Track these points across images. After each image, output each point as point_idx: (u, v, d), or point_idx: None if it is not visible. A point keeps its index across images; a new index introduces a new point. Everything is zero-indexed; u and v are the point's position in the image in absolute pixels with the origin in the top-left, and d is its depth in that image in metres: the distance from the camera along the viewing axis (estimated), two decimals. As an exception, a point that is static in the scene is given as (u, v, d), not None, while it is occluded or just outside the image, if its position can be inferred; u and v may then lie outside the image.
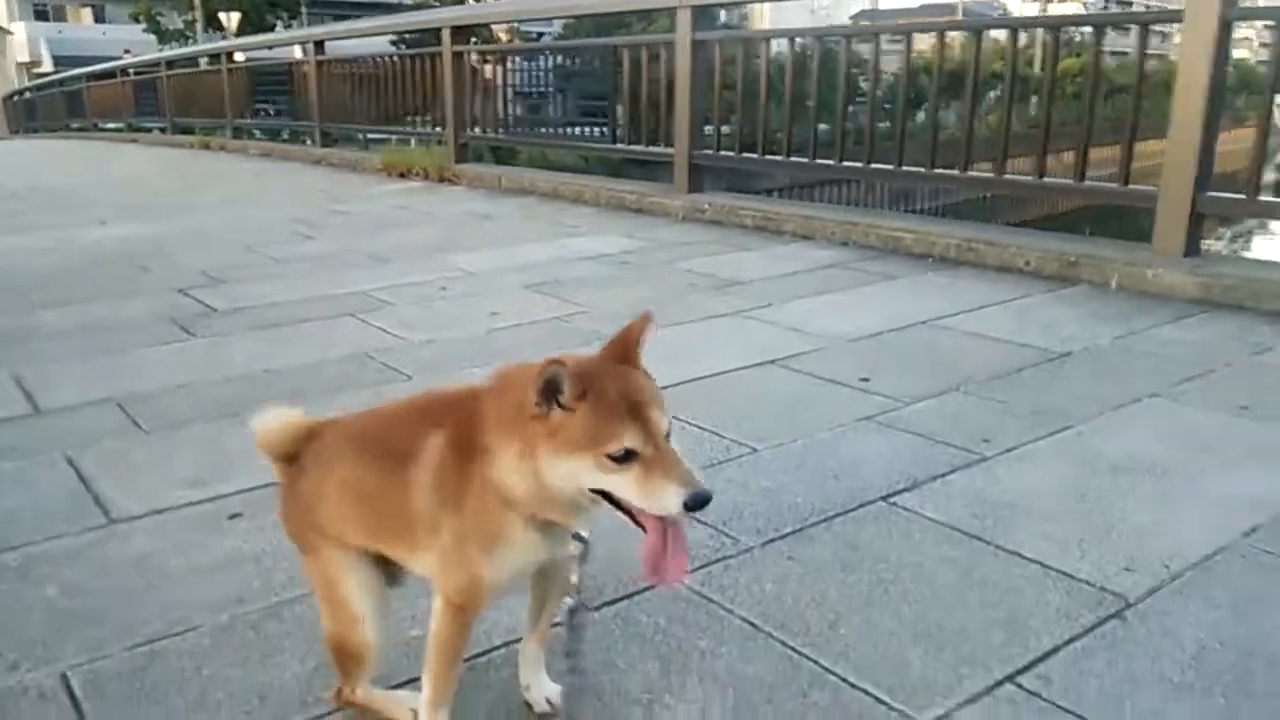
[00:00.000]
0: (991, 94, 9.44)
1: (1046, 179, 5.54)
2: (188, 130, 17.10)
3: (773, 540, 2.42)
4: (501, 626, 2.02)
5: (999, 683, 1.86)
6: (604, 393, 1.38)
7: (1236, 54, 4.74)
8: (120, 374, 3.80)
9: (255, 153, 14.11)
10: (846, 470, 2.80)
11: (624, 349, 1.47)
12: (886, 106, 7.49)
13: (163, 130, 18.51)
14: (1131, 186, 5.13)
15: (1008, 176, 5.78)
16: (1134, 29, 5.12)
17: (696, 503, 1.35)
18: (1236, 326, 4.16)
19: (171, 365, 3.94)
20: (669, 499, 1.36)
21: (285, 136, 15.48)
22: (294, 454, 1.77)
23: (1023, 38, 6.24)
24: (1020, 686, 1.84)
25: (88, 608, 2.16)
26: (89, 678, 1.91)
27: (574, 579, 1.63)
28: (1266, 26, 5.36)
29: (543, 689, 1.79)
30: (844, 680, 1.87)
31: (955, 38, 6.66)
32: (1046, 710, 1.77)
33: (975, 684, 1.86)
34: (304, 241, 6.79)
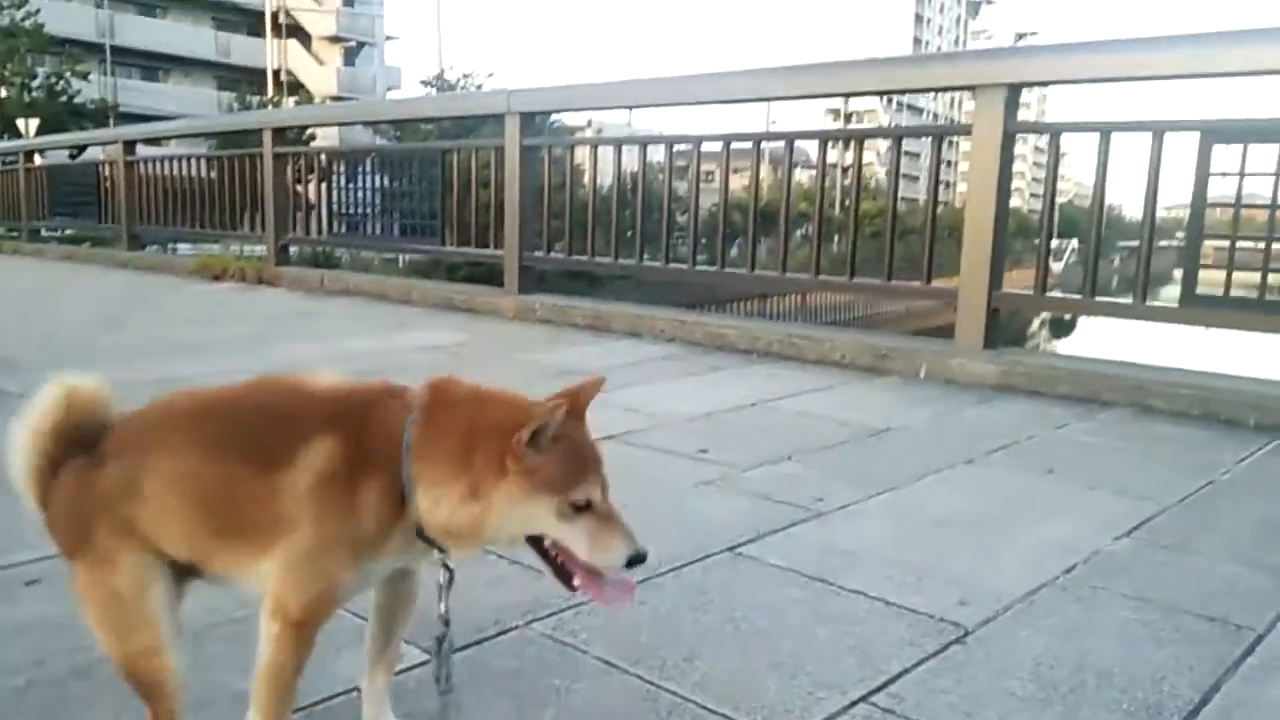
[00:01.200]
0: (799, 232, 10.11)
1: (858, 279, 5.90)
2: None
3: (622, 589, 2.39)
4: (342, 676, 1.90)
5: (854, 703, 1.88)
6: (574, 441, 1.44)
7: (1012, 203, 5.24)
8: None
9: (54, 256, 13.30)
10: (691, 526, 2.82)
11: (575, 405, 1.47)
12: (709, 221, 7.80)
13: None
14: (933, 285, 5.53)
15: (822, 277, 6.11)
16: (927, 141, 5.61)
17: (636, 559, 1.45)
18: (1034, 407, 4.49)
19: (-44, 443, 3.58)
20: (614, 554, 1.44)
21: (89, 241, 14.69)
22: (87, 437, 1.54)
23: (827, 179, 6.66)
24: (875, 705, 1.87)
25: None
26: None
27: (441, 608, 1.60)
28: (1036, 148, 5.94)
29: None
30: (703, 707, 1.85)
31: (765, 177, 7.02)
32: (900, 724, 1.80)
33: (831, 705, 1.87)
34: (112, 333, 6.39)
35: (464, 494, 1.41)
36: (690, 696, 1.89)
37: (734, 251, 7.02)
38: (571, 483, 1.41)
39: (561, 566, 1.48)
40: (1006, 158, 5.05)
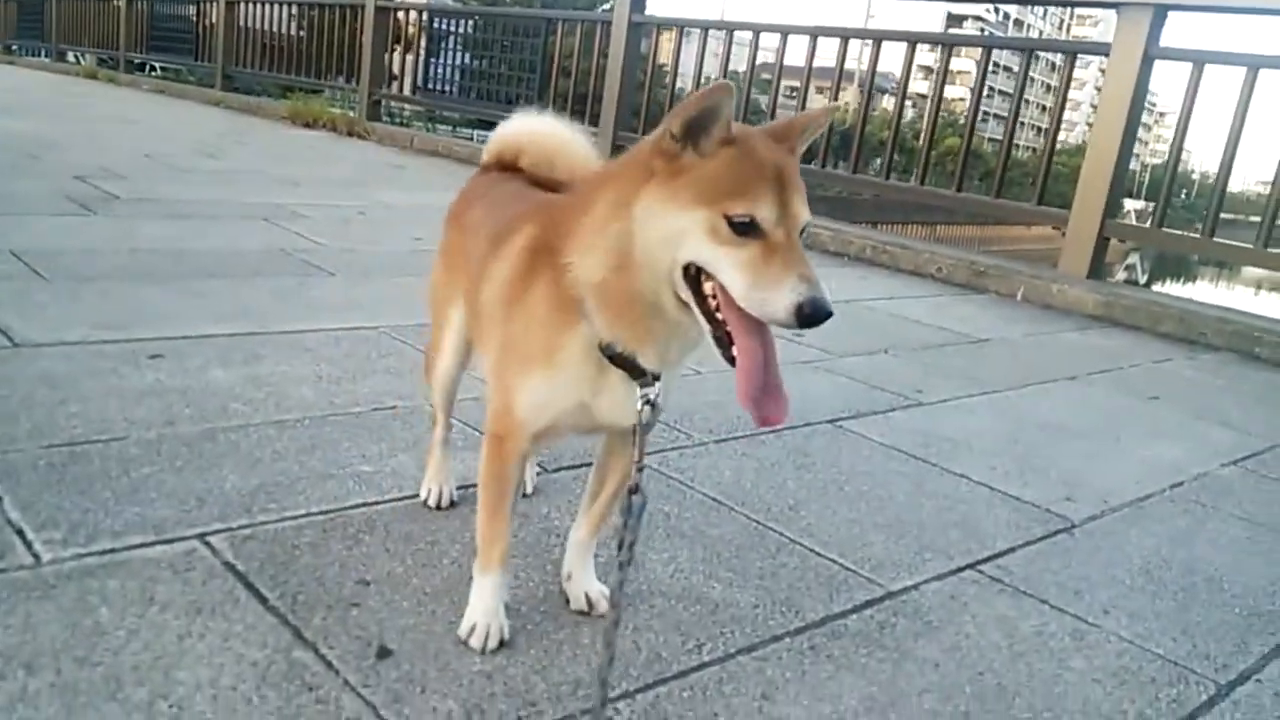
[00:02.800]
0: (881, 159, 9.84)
1: (965, 193, 5.73)
2: (69, 60, 16.15)
3: (725, 440, 2.39)
4: (457, 472, 1.92)
5: (961, 568, 1.86)
6: (753, 151, 1.14)
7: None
8: (14, 234, 3.50)
9: (148, 88, 13.39)
10: (792, 397, 2.79)
11: (786, 132, 1.21)
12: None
13: (43, 55, 17.41)
14: (1043, 207, 5.36)
15: (928, 187, 5.95)
16: (1059, 59, 5.37)
17: (815, 312, 1.06)
18: (1135, 340, 4.37)
19: (72, 232, 3.66)
20: (782, 296, 1.07)
21: (182, 74, 14.75)
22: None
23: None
24: (981, 573, 1.85)
25: (-7, 409, 1.95)
26: (1, 467, 1.72)
27: (634, 452, 1.29)
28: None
29: (584, 584, 1.54)
30: (811, 550, 1.85)
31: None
32: (1009, 592, 1.79)
33: (938, 566, 1.86)
34: (208, 159, 6.44)
35: (605, 220, 1.20)
36: (798, 539, 1.89)
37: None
38: (733, 192, 1.11)
39: (723, 325, 1.15)
40: (1143, 82, 4.83)
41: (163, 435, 1.95)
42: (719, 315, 1.16)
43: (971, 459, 2.48)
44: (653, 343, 1.25)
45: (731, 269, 1.11)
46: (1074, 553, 2.00)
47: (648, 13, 7.48)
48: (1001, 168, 5.41)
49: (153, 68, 15.14)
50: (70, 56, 17.07)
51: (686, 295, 1.18)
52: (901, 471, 2.34)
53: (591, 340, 1.27)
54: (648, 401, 1.27)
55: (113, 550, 1.51)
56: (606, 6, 7.92)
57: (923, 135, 6.12)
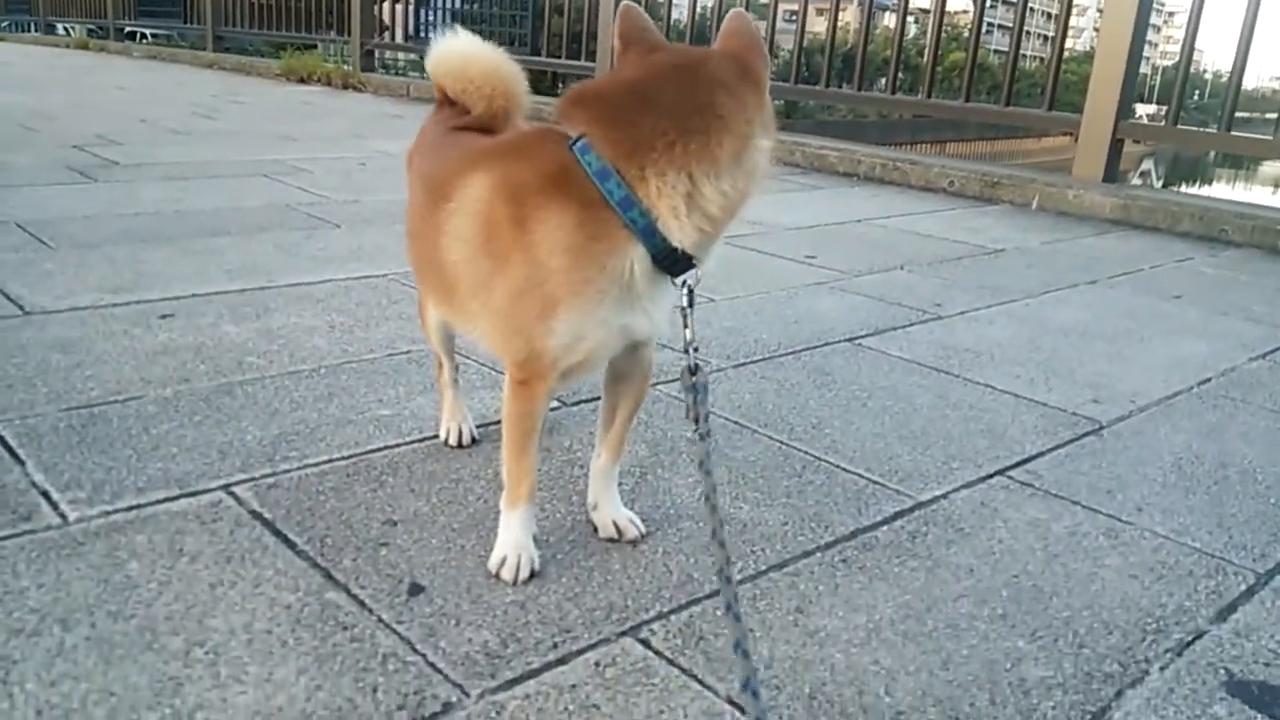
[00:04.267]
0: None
1: (973, 103, 5.62)
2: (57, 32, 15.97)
3: (743, 364, 2.36)
4: (476, 411, 1.91)
5: (990, 475, 1.85)
6: None
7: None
8: (16, 205, 3.48)
9: (140, 55, 13.25)
10: (806, 319, 2.77)
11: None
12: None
13: (26, 29, 17.23)
14: (1055, 112, 5.25)
15: (936, 100, 5.83)
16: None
17: None
18: (1155, 241, 4.30)
19: (73, 201, 3.63)
20: None
21: (173, 39, 14.58)
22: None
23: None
24: (1011, 478, 1.84)
25: (10, 377, 1.95)
26: (20, 431, 1.72)
27: (687, 334, 1.30)
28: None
29: (611, 511, 1.52)
30: (837, 466, 1.83)
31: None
32: (1040, 496, 1.77)
33: (967, 474, 1.84)
34: (204, 120, 6.38)
35: (744, 144, 1.23)
36: (823, 456, 1.87)
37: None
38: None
39: None
40: (1151, -24, 4.69)
41: (179, 392, 1.94)
42: None
43: (994, 368, 2.45)
44: (720, 240, 1.31)
45: None
46: (1104, 454, 1.98)
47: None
48: (1010, 74, 5.29)
49: (144, 34, 14.97)
50: (60, 29, 16.90)
51: None
52: (923, 384, 2.31)
53: (645, 260, 1.25)
54: (688, 287, 1.28)
55: (138, 506, 1.51)
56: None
57: (927, 49, 5.96)
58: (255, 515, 1.50)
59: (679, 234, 1.23)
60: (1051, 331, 2.80)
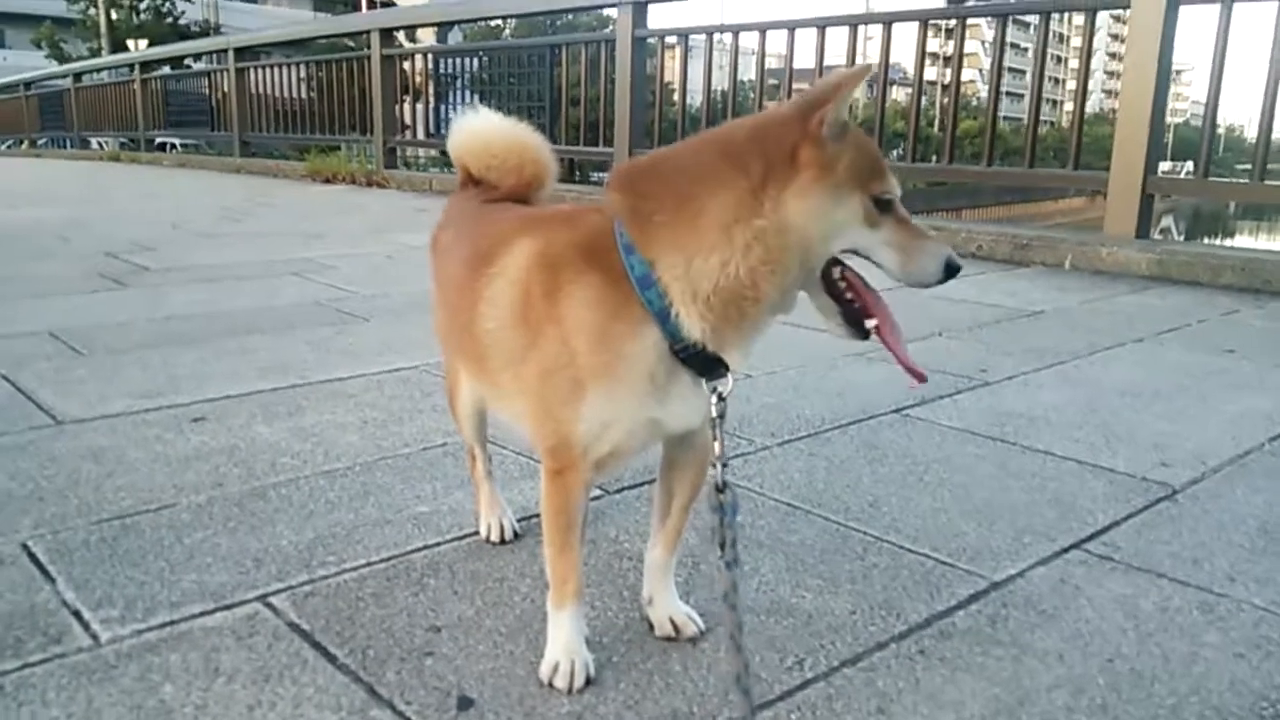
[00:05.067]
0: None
1: (995, 166, 5.59)
2: (92, 146, 16.47)
3: (790, 441, 2.28)
4: (515, 503, 1.84)
5: (1065, 549, 1.74)
6: (856, 129, 1.16)
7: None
8: (50, 314, 3.49)
9: (169, 164, 13.60)
10: (848, 391, 2.69)
11: (827, 96, 1.14)
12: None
13: (67, 145, 17.79)
14: (1080, 171, 5.21)
15: (957, 165, 5.81)
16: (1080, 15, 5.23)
17: (955, 268, 1.19)
18: (1196, 295, 4.21)
19: (105, 308, 3.64)
20: (935, 260, 1.17)
21: (201, 147, 14.95)
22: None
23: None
24: (1089, 552, 1.73)
25: (42, 490, 1.90)
26: (52, 546, 1.66)
27: (716, 448, 1.22)
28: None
29: (668, 607, 1.42)
30: (900, 547, 1.73)
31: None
32: (1121, 569, 1.66)
33: (1041, 550, 1.73)
34: (233, 223, 6.47)
35: (733, 219, 1.12)
36: (884, 537, 1.77)
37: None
38: (874, 172, 1.14)
39: (852, 305, 1.19)
40: (1169, 30, 4.68)
41: (212, 498, 1.88)
42: (848, 296, 1.20)
43: (1052, 434, 2.36)
44: (746, 338, 1.21)
45: (884, 248, 1.16)
46: (1182, 520, 1.87)
47: (649, 25, 7.43)
48: (1032, 135, 5.27)
49: (174, 145, 15.37)
50: (94, 143, 17.42)
51: (817, 282, 1.19)
52: (980, 454, 2.21)
53: (662, 346, 1.17)
54: (719, 395, 1.20)
55: (172, 622, 1.43)
56: (610, 29, 7.90)
57: (940, 116, 5.97)
58: (293, 627, 1.42)
59: (689, 322, 1.16)
60: (1106, 393, 2.70)
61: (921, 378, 1.23)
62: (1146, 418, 2.49)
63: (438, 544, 1.70)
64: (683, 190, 1.15)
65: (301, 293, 3.98)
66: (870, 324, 1.20)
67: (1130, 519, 1.87)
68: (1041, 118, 6.47)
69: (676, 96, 7.89)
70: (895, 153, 7.80)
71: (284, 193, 8.95)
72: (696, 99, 7.80)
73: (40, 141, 19.29)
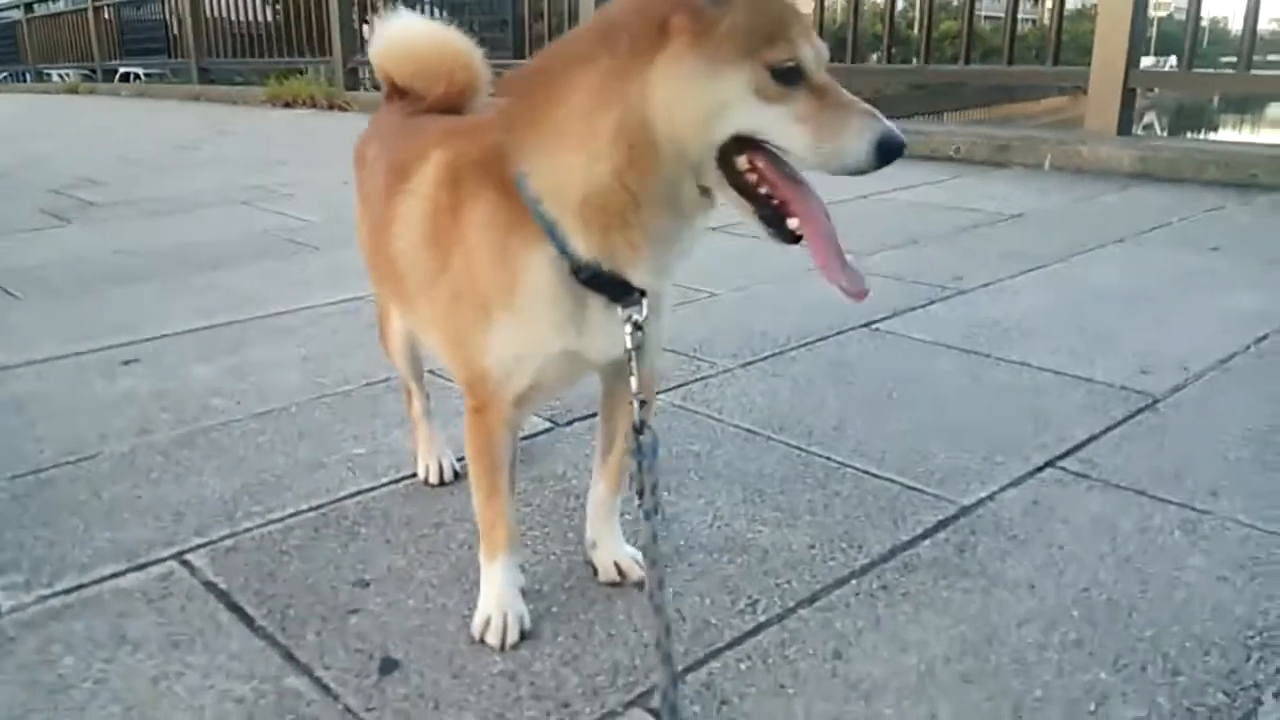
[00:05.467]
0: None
1: (973, 65, 5.40)
2: (50, 78, 15.95)
3: (752, 362, 2.17)
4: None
5: (1040, 468, 1.64)
6: None
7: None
8: (-18, 255, 3.33)
9: (128, 94, 13.16)
10: (815, 306, 2.57)
11: None
12: None
13: (21, 79, 17.23)
14: (1060, 66, 5.02)
15: (933, 66, 5.61)
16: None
17: (894, 141, 0.91)
18: (1181, 193, 4.07)
19: (47, 246, 3.48)
20: (857, 138, 0.91)
21: (155, 77, 14.47)
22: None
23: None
24: (1064, 470, 1.63)
25: (-50, 446, 1.78)
26: (-45, 508, 1.55)
27: (633, 383, 1.10)
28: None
29: (612, 550, 1.32)
30: (865, 472, 1.63)
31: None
32: (1099, 487, 1.56)
33: (1014, 469, 1.64)
34: (189, 153, 6.24)
35: (596, 107, 0.95)
36: (848, 462, 1.67)
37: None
38: (771, 36, 0.91)
39: (770, 202, 0.98)
40: (1153, -88, 4.45)
41: (136, 447, 1.76)
42: (761, 191, 0.97)
43: (1028, 343, 2.25)
44: (650, 252, 1.03)
45: (789, 126, 0.93)
46: (1164, 431, 1.77)
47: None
48: (1010, 32, 5.06)
49: (136, 74, 14.88)
50: (56, 76, 16.86)
51: (715, 178, 0.97)
52: (952, 369, 2.11)
53: (562, 266, 1.04)
54: (635, 324, 1.06)
55: (80, 586, 1.33)
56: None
57: (918, 17, 5.73)
58: (209, 587, 1.32)
59: (574, 237, 1.02)
60: (1086, 296, 2.59)
61: (858, 295, 1.00)
62: (1128, 322, 2.38)
63: (372, 489, 1.60)
64: (550, 81, 1.00)
65: (254, 223, 3.82)
66: (792, 224, 0.98)
67: (1109, 432, 1.78)
68: (1021, 16, 6.22)
69: None
70: (875, 56, 7.54)
71: (242, 120, 8.65)
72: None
73: (-3, 76, 18.70)
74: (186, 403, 1.97)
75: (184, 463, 1.70)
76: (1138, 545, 1.38)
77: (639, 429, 1.09)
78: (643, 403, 1.10)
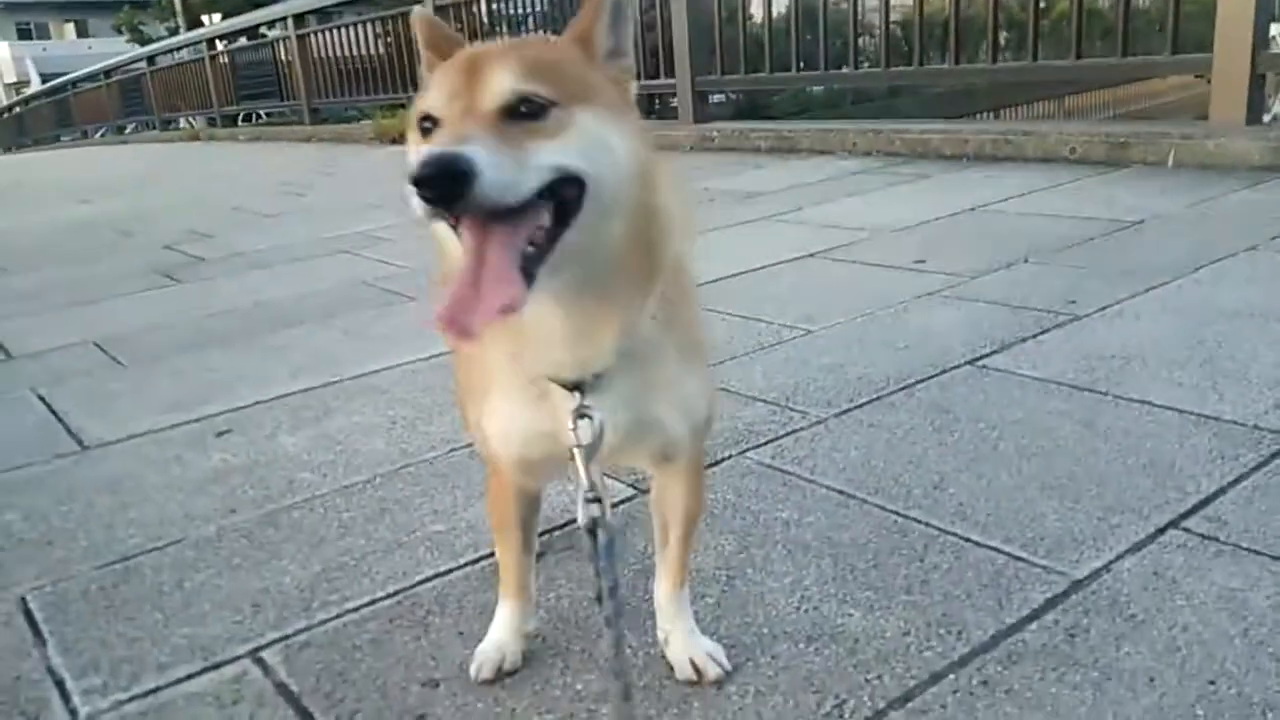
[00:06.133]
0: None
1: (1085, 59, 5.12)
2: (175, 126, 16.78)
3: (847, 410, 2.06)
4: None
5: (1161, 530, 1.50)
6: (457, 58, 0.94)
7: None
8: (97, 320, 3.46)
9: (245, 138, 13.72)
10: (918, 341, 2.44)
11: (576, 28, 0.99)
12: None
13: (151, 127, 18.17)
14: (1179, 56, 4.72)
15: (1042, 61, 5.35)
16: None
17: (422, 172, 0.80)
18: (1319, 186, 3.77)
19: (154, 308, 3.60)
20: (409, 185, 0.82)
21: (273, 118, 15.05)
22: None
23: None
24: (1189, 531, 1.48)
25: (52, 531, 1.82)
26: (50, 599, 1.58)
27: (582, 477, 1.01)
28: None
29: (686, 646, 1.26)
30: (966, 539, 1.52)
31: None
32: (1228, 552, 1.41)
33: (1131, 532, 1.50)
34: (295, 199, 6.43)
35: None
36: (949, 528, 1.56)
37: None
38: (419, 100, 0.93)
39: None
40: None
41: (222, 529, 1.77)
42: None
43: (1149, 377, 2.08)
44: (518, 341, 0.99)
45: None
46: (1303, 480, 1.60)
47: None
48: (1124, 19, 4.77)
49: (257, 115, 15.50)
50: (182, 122, 17.71)
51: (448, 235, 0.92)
52: (1065, 410, 1.96)
53: (508, 363, 1.04)
54: (583, 415, 0.99)
55: (155, 690, 1.32)
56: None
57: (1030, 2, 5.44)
58: (280, 689, 1.30)
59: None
60: (1213, 319, 2.39)
61: (463, 333, 0.85)
62: (1261, 347, 2.18)
63: (449, 571, 1.56)
64: None
65: (349, 272, 3.88)
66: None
67: (1239, 483, 1.61)
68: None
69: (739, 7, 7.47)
70: (982, 45, 7.23)
71: (348, 159, 8.90)
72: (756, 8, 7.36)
73: (128, 128, 19.74)
74: (273, 478, 1.97)
75: (266, 546, 1.69)
76: (1273, 626, 1.24)
77: (591, 529, 1.01)
78: (596, 499, 1.01)
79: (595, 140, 0.89)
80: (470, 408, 1.17)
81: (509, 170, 0.82)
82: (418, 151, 0.85)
